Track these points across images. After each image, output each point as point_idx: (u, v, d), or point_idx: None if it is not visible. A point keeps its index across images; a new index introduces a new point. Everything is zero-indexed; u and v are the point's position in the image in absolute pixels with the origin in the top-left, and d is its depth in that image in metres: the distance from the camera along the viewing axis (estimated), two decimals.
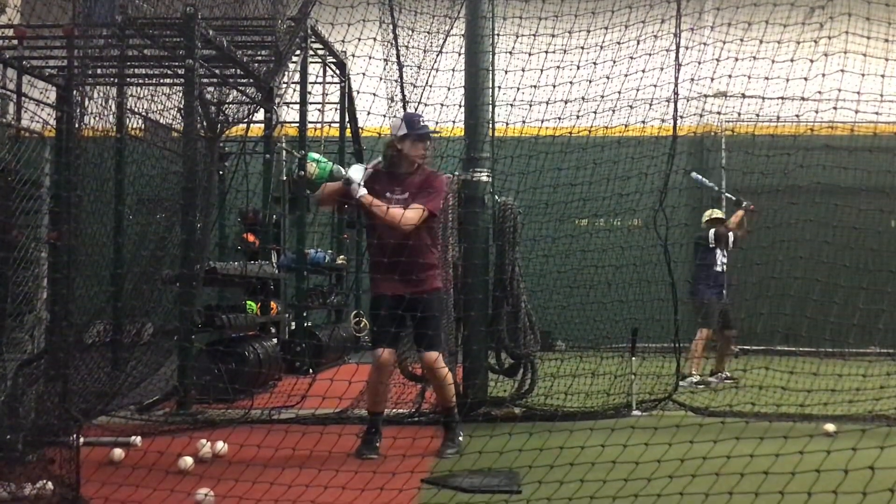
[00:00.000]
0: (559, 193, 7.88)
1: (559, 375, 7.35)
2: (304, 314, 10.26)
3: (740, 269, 9.48)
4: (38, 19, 6.36)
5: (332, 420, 6.18)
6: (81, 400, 5.43)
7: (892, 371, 5.79)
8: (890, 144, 10.53)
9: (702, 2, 7.76)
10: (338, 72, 11.92)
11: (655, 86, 7.01)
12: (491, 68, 6.81)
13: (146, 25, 6.49)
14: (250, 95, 7.49)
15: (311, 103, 10.83)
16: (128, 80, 7.16)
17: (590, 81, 6.81)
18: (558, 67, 6.70)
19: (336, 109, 12.25)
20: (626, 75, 6.86)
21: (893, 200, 10.82)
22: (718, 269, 9.54)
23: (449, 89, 6.64)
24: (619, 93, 6.92)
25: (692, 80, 7.08)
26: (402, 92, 7.29)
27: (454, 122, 6.59)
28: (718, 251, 9.55)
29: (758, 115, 7.55)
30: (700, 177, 10.33)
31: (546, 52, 6.73)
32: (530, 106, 6.74)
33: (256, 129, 10.36)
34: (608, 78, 6.82)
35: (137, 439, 5.47)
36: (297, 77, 10.26)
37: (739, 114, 7.71)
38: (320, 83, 11.84)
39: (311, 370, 8.75)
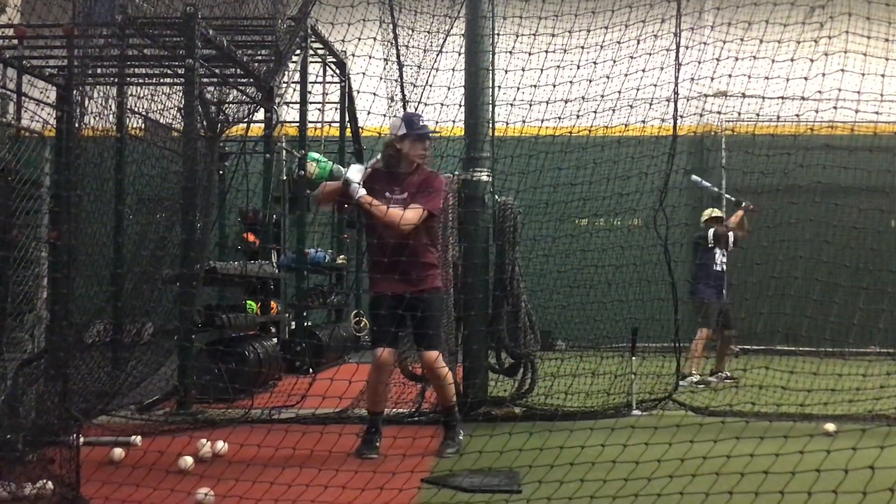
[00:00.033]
0: (559, 193, 7.88)
1: (559, 375, 7.34)
2: (304, 314, 10.27)
3: (740, 269, 9.49)
4: (38, 19, 6.36)
5: (332, 420, 6.18)
6: (81, 399, 5.43)
7: (892, 371, 5.80)
8: (890, 144, 10.54)
9: (702, 1, 7.75)
10: (338, 71, 11.92)
11: (655, 85, 7.01)
12: (491, 68, 6.80)
13: (146, 25, 6.49)
14: (250, 95, 7.49)
15: (311, 103, 10.84)
16: (128, 79, 7.17)
17: (590, 81, 6.81)
18: (558, 67, 6.69)
19: (336, 109, 12.26)
20: (626, 75, 6.86)
21: (893, 200, 10.85)
22: (718, 268, 9.54)
23: (449, 89, 6.64)
24: (620, 92, 6.92)
25: (692, 79, 7.08)
26: (403, 91, 7.29)
27: (454, 121, 6.59)
28: (717, 251, 9.56)
29: (758, 115, 7.55)
30: (699, 179, 10.34)
31: (546, 51, 6.73)
32: (530, 105, 6.74)
33: (256, 129, 10.37)
34: (608, 77, 6.82)
35: (137, 439, 5.47)
36: (297, 77, 10.27)
37: (739, 113, 7.72)
38: (320, 83, 11.85)
39: (311, 370, 8.76)
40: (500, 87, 6.79)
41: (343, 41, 7.30)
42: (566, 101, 6.81)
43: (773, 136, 8.84)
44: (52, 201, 6.66)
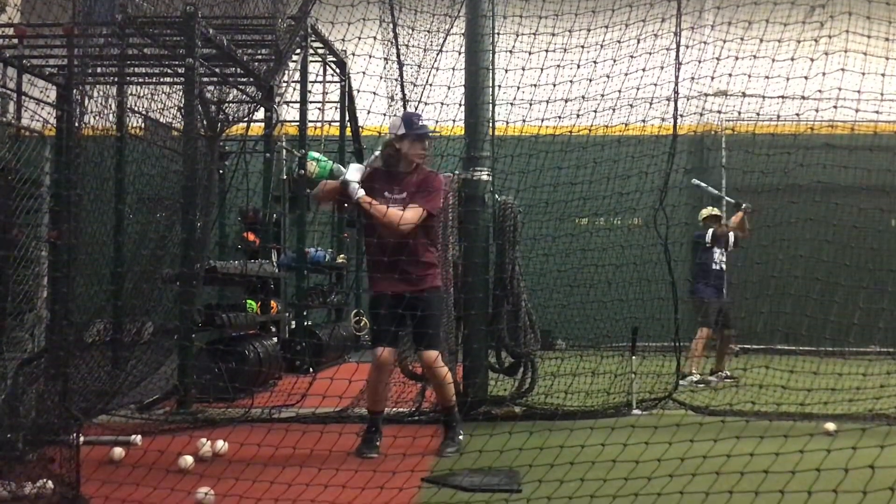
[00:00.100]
0: (559, 192, 7.88)
1: (559, 374, 7.34)
2: (305, 313, 10.27)
3: (740, 268, 9.49)
4: (38, 18, 6.36)
5: (333, 419, 6.18)
6: (82, 399, 5.43)
7: (892, 370, 5.80)
8: (890, 143, 10.53)
9: (702, 1, 7.75)
10: (338, 70, 11.92)
11: (656, 84, 7.01)
12: (491, 67, 6.80)
13: (146, 24, 6.49)
14: (250, 94, 7.49)
15: (311, 102, 10.85)
16: (128, 78, 7.17)
17: (590, 80, 6.81)
18: (558, 66, 6.69)
19: (336, 108, 12.26)
20: (626, 74, 6.85)
21: (893, 199, 10.85)
22: (717, 267, 9.55)
23: (449, 88, 6.64)
24: (620, 92, 6.91)
25: (692, 78, 7.07)
26: (403, 91, 7.29)
27: (454, 120, 6.59)
28: (716, 250, 9.56)
29: (758, 114, 7.54)
30: (700, 182, 10.35)
31: (546, 50, 6.73)
32: (530, 105, 6.74)
33: (256, 128, 10.37)
34: (608, 77, 6.82)
35: (137, 438, 5.47)
36: (297, 76, 10.27)
37: (740, 113, 7.70)
38: (320, 82, 11.85)
39: (311, 369, 8.76)
40: (500, 86, 6.79)
41: (343, 40, 7.28)
42: (566, 101, 6.81)
43: (773, 135, 8.84)
44: (52, 200, 6.65)
